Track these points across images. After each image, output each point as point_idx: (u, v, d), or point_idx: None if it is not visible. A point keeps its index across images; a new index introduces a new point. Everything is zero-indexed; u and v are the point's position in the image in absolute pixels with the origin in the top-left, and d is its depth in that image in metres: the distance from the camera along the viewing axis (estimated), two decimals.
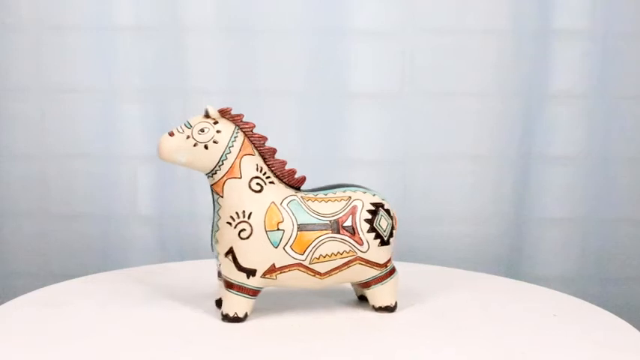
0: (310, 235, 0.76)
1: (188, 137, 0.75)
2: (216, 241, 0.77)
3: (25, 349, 0.68)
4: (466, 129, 1.15)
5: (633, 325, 0.78)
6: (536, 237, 1.17)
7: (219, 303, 0.80)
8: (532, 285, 0.97)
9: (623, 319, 0.80)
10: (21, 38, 1.14)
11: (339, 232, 0.77)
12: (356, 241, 0.78)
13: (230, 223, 0.75)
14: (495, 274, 1.04)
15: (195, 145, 0.75)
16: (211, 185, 0.77)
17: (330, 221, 0.77)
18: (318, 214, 0.77)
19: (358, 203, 0.79)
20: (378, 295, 0.81)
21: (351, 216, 0.78)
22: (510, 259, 1.18)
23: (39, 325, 0.74)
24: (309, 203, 0.78)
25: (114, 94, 1.15)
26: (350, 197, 0.79)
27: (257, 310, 0.78)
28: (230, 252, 0.76)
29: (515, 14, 1.13)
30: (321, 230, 0.77)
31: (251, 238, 0.75)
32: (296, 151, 1.15)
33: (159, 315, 0.79)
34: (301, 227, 0.76)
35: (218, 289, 0.80)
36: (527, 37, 1.13)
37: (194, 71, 1.14)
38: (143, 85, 1.15)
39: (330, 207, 0.78)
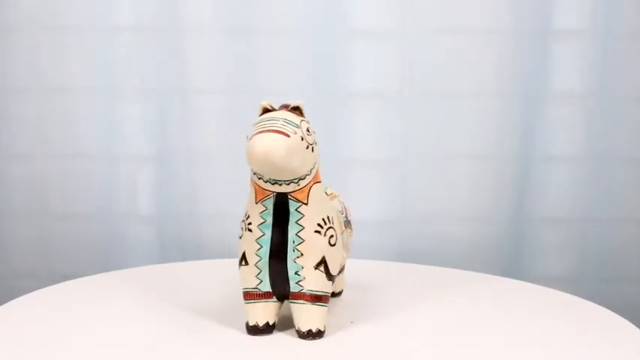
0: (347, 232, 0.78)
1: (302, 139, 0.66)
2: (299, 255, 0.69)
3: (26, 349, 0.68)
4: (466, 129, 1.15)
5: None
6: (536, 237, 1.17)
7: (265, 328, 0.72)
8: (532, 285, 0.97)
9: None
10: (21, 38, 1.14)
11: (348, 227, 0.79)
12: (350, 233, 0.81)
13: (319, 232, 0.69)
14: (495, 274, 1.04)
15: (307, 148, 0.66)
16: (288, 193, 0.68)
17: (346, 217, 0.79)
18: (340, 212, 0.78)
19: (338, 199, 0.81)
20: (340, 281, 0.84)
21: (345, 211, 0.81)
22: (510, 259, 1.17)
23: (39, 326, 0.74)
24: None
25: (114, 94, 1.15)
26: (332, 193, 0.81)
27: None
28: (322, 262, 0.70)
29: (516, 14, 1.13)
30: (348, 226, 0.78)
31: (337, 243, 0.71)
32: None
33: (159, 315, 0.78)
34: (344, 225, 0.77)
35: (252, 312, 0.72)
36: (527, 37, 1.13)
37: (194, 71, 1.14)
38: (143, 85, 1.15)
39: (335, 204, 0.79)
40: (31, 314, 0.78)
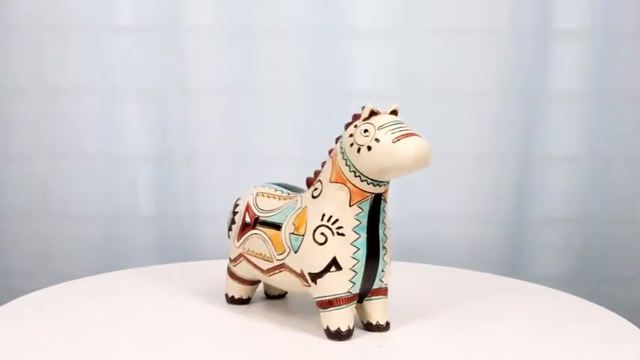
0: None
1: None
2: (386, 252, 0.72)
3: (26, 349, 0.68)
4: (466, 129, 1.15)
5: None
6: (536, 237, 1.17)
7: (352, 330, 0.71)
8: (532, 284, 0.97)
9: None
10: (21, 38, 1.14)
11: None
12: None
13: (390, 228, 0.73)
14: (495, 273, 1.04)
15: None
16: (381, 194, 0.70)
17: None
18: None
19: None
20: None
21: None
22: (510, 259, 1.17)
23: (39, 326, 0.74)
24: None
25: (113, 94, 1.15)
26: None
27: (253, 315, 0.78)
28: (390, 257, 0.73)
29: (515, 14, 1.13)
30: None
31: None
32: (296, 151, 1.15)
33: (159, 316, 0.78)
34: None
35: (342, 317, 0.70)
36: (527, 37, 1.13)
37: (194, 71, 1.14)
38: (143, 85, 1.15)
39: None
40: (31, 314, 0.78)
